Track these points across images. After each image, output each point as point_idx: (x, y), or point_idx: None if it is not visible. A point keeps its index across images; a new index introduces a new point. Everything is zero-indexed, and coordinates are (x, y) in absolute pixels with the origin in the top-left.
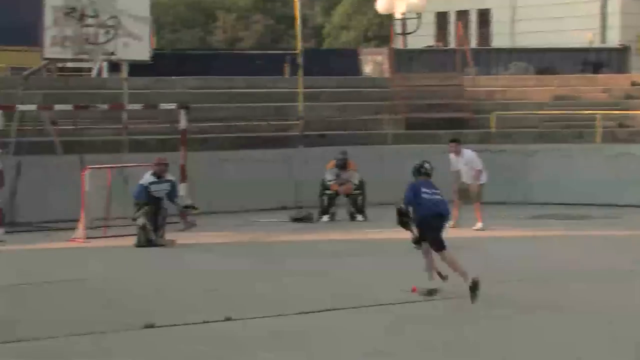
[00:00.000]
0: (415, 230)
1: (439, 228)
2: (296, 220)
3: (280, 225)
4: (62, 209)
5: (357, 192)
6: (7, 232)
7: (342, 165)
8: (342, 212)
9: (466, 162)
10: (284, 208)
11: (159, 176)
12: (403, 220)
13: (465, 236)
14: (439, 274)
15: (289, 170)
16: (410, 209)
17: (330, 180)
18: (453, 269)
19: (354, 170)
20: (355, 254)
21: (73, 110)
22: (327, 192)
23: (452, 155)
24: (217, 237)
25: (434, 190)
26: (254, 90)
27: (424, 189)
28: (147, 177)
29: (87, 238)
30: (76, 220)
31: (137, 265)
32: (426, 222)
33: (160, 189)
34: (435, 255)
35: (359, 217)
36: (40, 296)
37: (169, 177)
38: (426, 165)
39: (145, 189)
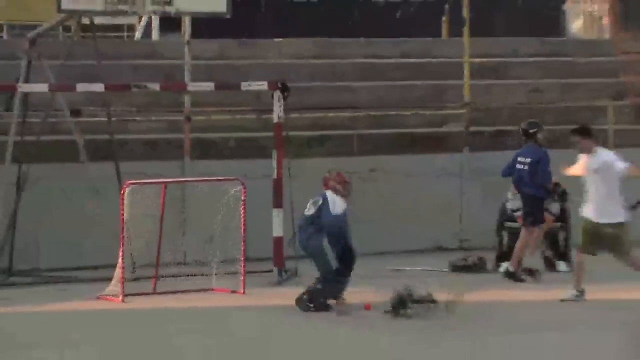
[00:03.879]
0: None
1: None
2: (458, 269)
3: (435, 277)
4: (85, 247)
5: (558, 225)
6: (1, 286)
7: None
8: (532, 257)
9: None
10: (440, 249)
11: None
12: None
13: None
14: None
15: (449, 189)
16: None
17: (514, 210)
18: None
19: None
20: (562, 326)
21: (105, 92)
22: (509, 225)
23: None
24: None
25: None
26: (391, 60)
27: None
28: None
29: (126, 295)
30: (106, 267)
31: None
32: None
33: None
34: None
35: (562, 266)
36: None
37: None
38: None
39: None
